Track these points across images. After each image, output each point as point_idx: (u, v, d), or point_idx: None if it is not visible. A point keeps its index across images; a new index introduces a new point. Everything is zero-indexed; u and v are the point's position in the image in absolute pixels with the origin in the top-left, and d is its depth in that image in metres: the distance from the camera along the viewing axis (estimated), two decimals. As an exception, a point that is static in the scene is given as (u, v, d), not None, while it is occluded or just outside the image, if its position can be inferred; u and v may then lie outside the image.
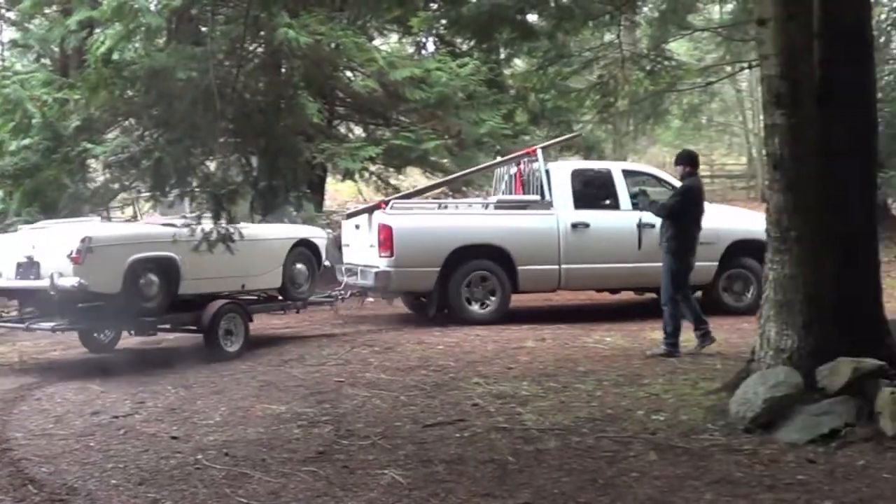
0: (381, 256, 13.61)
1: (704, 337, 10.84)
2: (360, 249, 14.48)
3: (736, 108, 40.89)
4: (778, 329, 7.67)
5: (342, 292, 14.43)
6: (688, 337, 10.80)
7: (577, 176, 14.87)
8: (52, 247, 10.75)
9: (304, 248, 13.30)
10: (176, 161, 9.17)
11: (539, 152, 14.91)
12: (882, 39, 24.88)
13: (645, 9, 19.76)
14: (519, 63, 23.94)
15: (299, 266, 13.20)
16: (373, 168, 21.91)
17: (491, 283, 13.95)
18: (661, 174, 15.50)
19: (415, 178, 26.38)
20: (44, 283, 10.45)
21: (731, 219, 15.05)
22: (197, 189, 9.75)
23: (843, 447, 6.56)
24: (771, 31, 7.53)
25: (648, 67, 18.84)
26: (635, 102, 21.46)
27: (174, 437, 7.56)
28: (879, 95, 20.75)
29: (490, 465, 6.49)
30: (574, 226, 14.13)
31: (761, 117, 7.88)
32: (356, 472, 6.40)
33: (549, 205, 14.40)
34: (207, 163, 9.74)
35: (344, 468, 6.51)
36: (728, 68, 24.01)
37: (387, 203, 14.26)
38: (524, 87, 20.84)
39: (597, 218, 14.33)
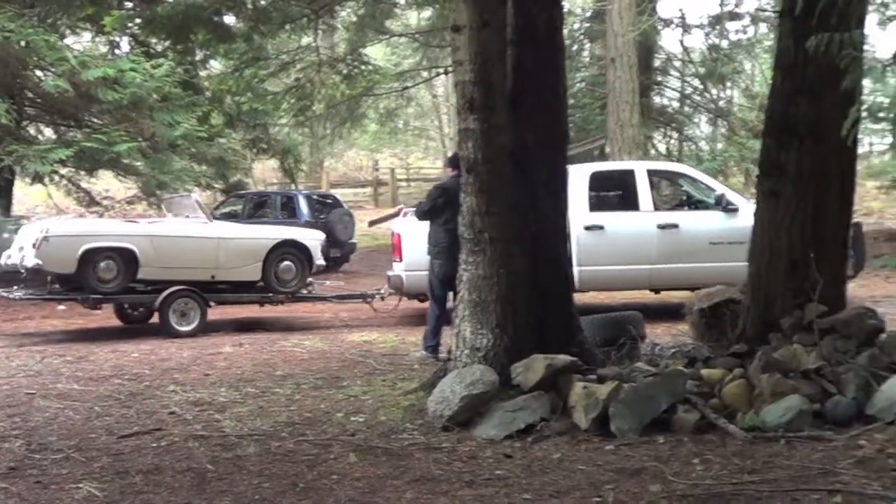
0: (393, 261, 14.01)
1: (433, 350, 10.45)
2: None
3: (432, 112, 41.81)
4: (473, 328, 7.84)
5: (380, 291, 15.32)
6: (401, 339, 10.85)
7: (597, 178, 14.37)
8: (29, 237, 13.69)
9: (292, 248, 14.94)
10: None
11: None
12: (575, 48, 26.13)
13: (343, 13, 19.90)
14: (215, 65, 23.64)
15: (286, 263, 14.84)
16: (63, 171, 21.17)
17: None
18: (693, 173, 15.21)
19: (107, 181, 25.51)
20: (22, 263, 13.47)
21: None
22: None
23: (539, 441, 6.77)
24: (465, 37, 7.68)
25: (345, 71, 18.98)
26: (332, 106, 21.60)
27: None
28: (571, 101, 21.81)
29: (189, 473, 6.32)
30: (588, 228, 13.62)
31: (457, 122, 8.07)
32: (50, 488, 6.09)
33: None
34: None
35: (37, 483, 6.18)
36: (424, 73, 24.57)
37: (402, 211, 14.06)
38: (220, 89, 20.61)
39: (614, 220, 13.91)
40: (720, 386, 7.25)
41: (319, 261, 15.26)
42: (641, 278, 13.57)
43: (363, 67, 19.55)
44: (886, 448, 6.23)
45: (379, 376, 9.50)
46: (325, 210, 22.49)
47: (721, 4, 25.22)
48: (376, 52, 26.16)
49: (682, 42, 27.68)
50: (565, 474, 6.03)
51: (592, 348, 8.33)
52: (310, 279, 15.40)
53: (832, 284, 7.96)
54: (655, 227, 13.47)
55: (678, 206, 15.09)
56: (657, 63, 27.36)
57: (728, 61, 26.88)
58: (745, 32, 26.60)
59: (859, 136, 8.07)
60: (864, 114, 7.22)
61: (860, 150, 11.97)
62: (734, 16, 25.51)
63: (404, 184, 38.79)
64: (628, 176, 14.18)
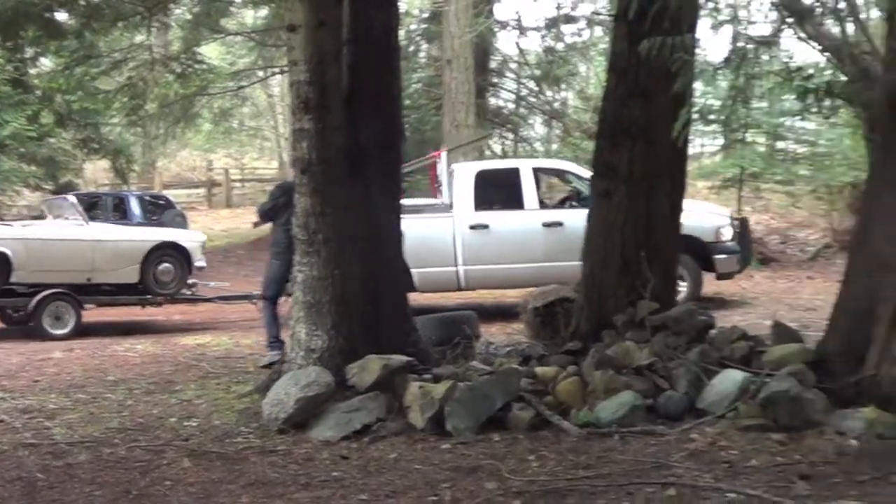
0: None
1: (279, 347, 10.11)
2: None
3: (267, 112, 41.36)
4: (308, 330, 7.77)
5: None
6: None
7: (483, 177, 14.36)
8: None
9: (171, 250, 14.88)
10: None
11: (444, 155, 14.76)
12: (411, 49, 26.19)
13: (177, 11, 19.54)
14: (46, 62, 22.94)
15: (165, 265, 14.76)
16: None
17: None
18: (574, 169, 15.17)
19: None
20: None
21: None
22: None
23: (376, 442, 6.75)
24: (301, 37, 7.60)
25: (179, 70, 18.67)
26: (165, 105, 21.22)
27: None
28: (407, 102, 21.87)
29: (18, 483, 6.10)
30: (473, 227, 13.65)
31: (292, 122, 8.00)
32: None
33: (447, 207, 14.10)
34: None
35: None
36: (260, 73, 24.30)
37: None
38: (51, 87, 20.06)
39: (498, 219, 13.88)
40: (554, 383, 7.34)
41: (199, 262, 15.34)
42: (527, 277, 13.48)
43: (197, 66, 19.31)
44: (717, 441, 6.41)
45: (213, 380, 9.36)
46: (158, 211, 22.06)
47: (557, 7, 25.56)
48: (211, 51, 25.74)
49: (518, 44, 28.01)
50: (402, 474, 6.01)
51: (428, 348, 8.34)
52: (194, 280, 15.39)
53: (664, 282, 8.18)
54: (540, 225, 13.63)
55: (563, 203, 15.11)
56: (493, 65, 27.63)
57: (563, 64, 27.30)
58: (580, 35, 27.00)
59: (690, 137, 8.29)
60: (695, 115, 7.43)
61: (691, 151, 12.34)
62: (570, 19, 25.87)
63: (239, 184, 38.23)
64: (513, 174, 14.28)
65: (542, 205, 14.28)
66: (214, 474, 6.14)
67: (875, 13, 20.00)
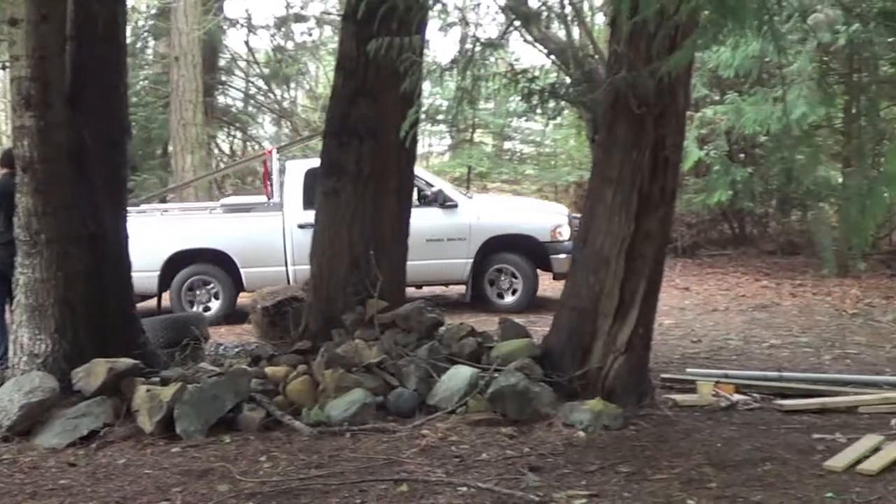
0: None
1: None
2: None
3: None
4: (31, 334, 7.52)
5: None
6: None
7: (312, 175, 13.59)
8: None
9: None
10: None
11: (274, 153, 14.25)
12: (139, 45, 25.50)
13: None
14: None
15: None
16: None
17: (214, 287, 13.56)
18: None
19: None
20: None
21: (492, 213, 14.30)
22: None
23: (104, 447, 6.59)
24: (23, 31, 7.31)
25: None
26: None
27: None
28: (134, 99, 21.27)
29: None
30: (302, 226, 12.94)
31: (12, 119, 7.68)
32: None
33: (277, 206, 13.57)
34: None
35: None
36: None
37: None
38: None
39: None
40: (285, 383, 7.39)
41: None
42: None
43: None
44: (448, 436, 6.60)
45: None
46: None
47: (287, 6, 25.52)
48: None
49: (247, 43, 27.76)
50: (131, 479, 5.91)
51: (156, 350, 8.24)
52: None
53: (392, 280, 8.34)
54: None
55: None
56: (222, 63, 27.28)
57: (293, 63, 27.29)
58: (310, 35, 27.03)
59: (418, 136, 8.46)
60: (422, 115, 7.61)
61: (420, 151, 12.57)
62: (300, 18, 25.86)
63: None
64: None
65: None
66: (-67, 488, 5.88)
67: (599, 18, 21.14)
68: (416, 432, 6.74)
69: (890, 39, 8.89)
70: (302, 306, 8.70)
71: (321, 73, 29.87)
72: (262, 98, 28.52)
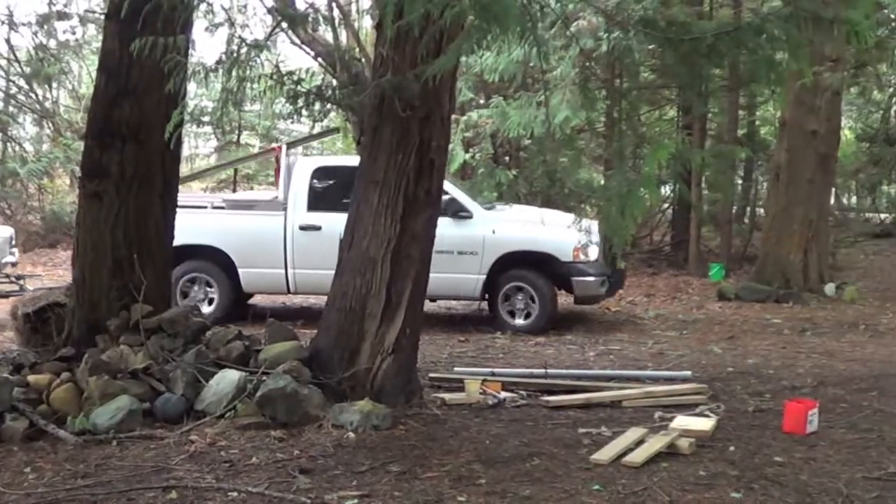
0: None
1: None
2: None
3: None
4: None
5: None
6: None
7: (320, 173, 12.92)
8: None
9: None
10: None
11: (283, 149, 13.33)
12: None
13: None
14: None
15: None
16: None
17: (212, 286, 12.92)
18: None
19: None
20: None
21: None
22: None
23: None
24: None
25: None
26: None
27: None
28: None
29: None
30: (304, 228, 12.31)
31: None
32: None
33: (281, 205, 12.88)
34: None
35: None
36: None
37: None
38: None
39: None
40: (48, 391, 7.21)
41: (7, 258, 15.51)
42: None
43: None
44: (217, 441, 6.58)
45: None
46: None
47: (50, 4, 24.66)
48: None
49: (8, 41, 26.67)
50: None
51: None
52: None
53: (157, 284, 8.23)
54: None
55: None
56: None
57: (55, 62, 26.42)
58: (73, 33, 26.22)
59: (183, 138, 8.37)
60: (187, 117, 7.54)
61: (185, 153, 12.43)
62: (63, 15, 25.05)
63: None
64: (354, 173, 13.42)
65: None
66: None
67: (367, 21, 21.32)
68: (185, 438, 6.68)
69: (650, 47, 9.36)
70: (65, 312, 8.46)
71: (84, 73, 29.04)
72: (23, 98, 27.49)
